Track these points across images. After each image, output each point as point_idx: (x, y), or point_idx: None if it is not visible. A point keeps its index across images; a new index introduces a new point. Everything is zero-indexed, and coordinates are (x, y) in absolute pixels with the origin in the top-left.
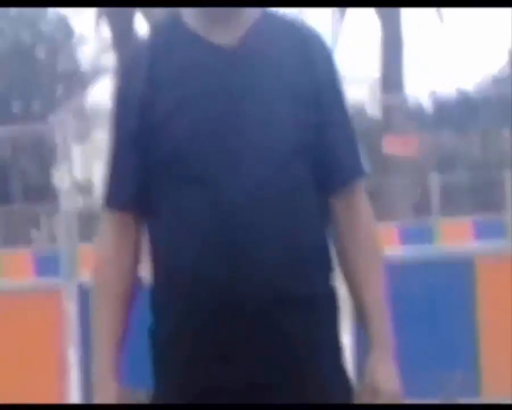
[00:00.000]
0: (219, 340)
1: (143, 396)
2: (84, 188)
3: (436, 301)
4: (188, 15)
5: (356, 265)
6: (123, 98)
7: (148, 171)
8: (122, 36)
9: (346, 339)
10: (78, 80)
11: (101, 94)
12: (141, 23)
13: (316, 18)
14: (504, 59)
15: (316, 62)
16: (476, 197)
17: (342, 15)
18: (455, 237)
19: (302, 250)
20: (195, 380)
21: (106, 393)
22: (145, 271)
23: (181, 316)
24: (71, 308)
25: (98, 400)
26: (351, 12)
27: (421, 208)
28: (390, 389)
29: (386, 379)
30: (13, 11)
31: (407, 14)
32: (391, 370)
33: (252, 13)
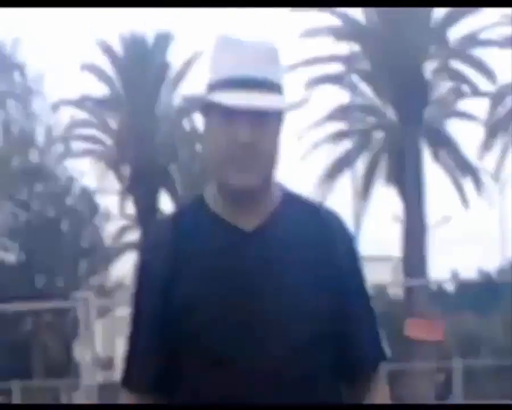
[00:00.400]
0: None
1: None
2: (105, 364)
3: None
4: (211, 193)
5: None
6: (145, 276)
7: (170, 352)
8: (146, 214)
9: None
10: (101, 256)
11: (124, 270)
12: (165, 202)
13: (337, 200)
14: None
15: (336, 246)
16: (498, 378)
17: (365, 197)
18: None
19: None
20: None
21: None
22: None
23: None
24: None
25: None
26: (374, 196)
27: (444, 392)
28: None
29: None
30: (39, 186)
31: (432, 200)
32: None
33: (274, 198)
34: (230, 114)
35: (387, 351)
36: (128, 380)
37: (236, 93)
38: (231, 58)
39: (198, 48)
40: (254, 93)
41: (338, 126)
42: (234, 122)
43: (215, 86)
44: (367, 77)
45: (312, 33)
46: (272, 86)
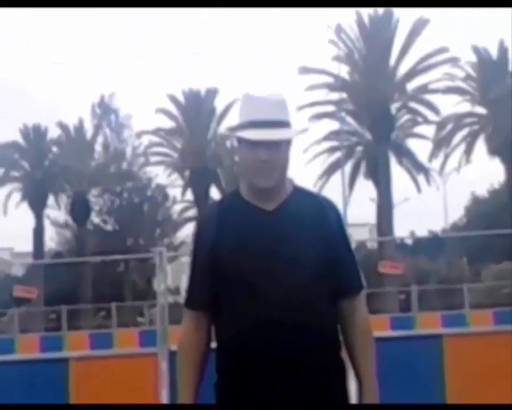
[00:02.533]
0: (262, 393)
1: None
2: (174, 291)
3: (416, 365)
4: (243, 188)
5: (355, 346)
6: (199, 238)
7: (215, 285)
8: (201, 199)
9: None
10: (170, 226)
11: (185, 235)
12: (213, 192)
13: (331, 190)
14: (460, 210)
15: (329, 222)
16: (442, 300)
17: (352, 185)
18: (429, 324)
19: (320, 334)
20: None
21: None
22: (213, 346)
23: (236, 376)
24: (164, 366)
25: None
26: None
27: (405, 305)
28: None
29: None
30: (128, 183)
31: (396, 188)
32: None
33: (287, 188)
34: (254, 143)
35: (364, 281)
36: (189, 301)
37: (257, 130)
38: (254, 107)
39: (233, 99)
40: (269, 129)
41: (331, 143)
42: (256, 148)
43: (244, 125)
44: (351, 113)
45: (312, 87)
46: (281, 124)
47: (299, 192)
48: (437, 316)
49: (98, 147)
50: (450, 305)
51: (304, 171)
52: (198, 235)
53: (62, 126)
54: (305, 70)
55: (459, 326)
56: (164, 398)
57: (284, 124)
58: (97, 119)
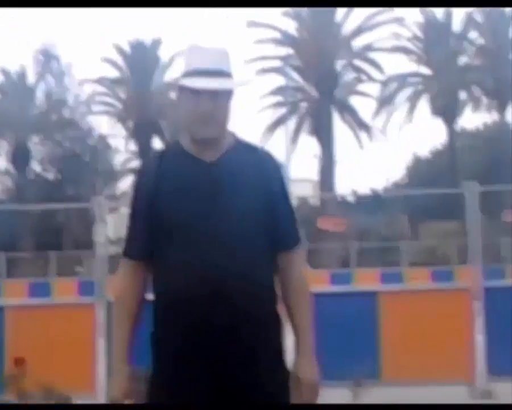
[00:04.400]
0: (198, 342)
1: (143, 374)
2: (113, 242)
3: (352, 320)
4: (184, 139)
5: (292, 300)
6: (139, 189)
7: (153, 235)
8: (143, 150)
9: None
10: (112, 176)
11: (126, 185)
12: (156, 143)
13: (275, 145)
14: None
15: (269, 175)
16: (381, 255)
17: (295, 141)
18: (366, 281)
19: (256, 286)
20: (177, 365)
21: (120, 371)
22: (149, 296)
23: (172, 325)
24: (101, 316)
25: (114, 375)
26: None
27: (344, 261)
28: (309, 378)
29: (306, 371)
30: (70, 132)
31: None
32: (312, 366)
33: (228, 140)
34: (195, 92)
35: (302, 236)
36: (127, 250)
37: (199, 78)
38: (196, 57)
39: (179, 48)
40: (210, 78)
41: (276, 98)
42: (198, 97)
43: (186, 74)
44: (297, 69)
45: (259, 41)
46: (223, 74)
47: (241, 144)
48: (375, 273)
49: (39, 95)
50: (389, 263)
51: (248, 125)
52: (138, 185)
53: (4, 72)
54: (253, 24)
55: (396, 283)
56: (101, 348)
57: (226, 74)
58: (40, 66)
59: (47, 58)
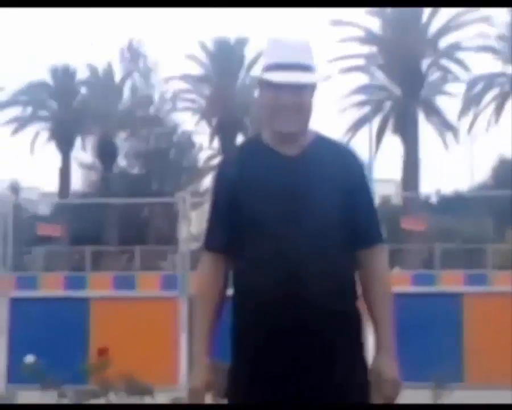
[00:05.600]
0: (278, 340)
1: (225, 367)
2: (196, 237)
3: (436, 322)
4: (266, 134)
5: (373, 297)
6: (220, 181)
7: (235, 230)
8: (227, 147)
9: None
10: (196, 172)
11: (210, 181)
12: (240, 140)
13: (358, 145)
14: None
15: (351, 170)
16: (466, 259)
17: (379, 140)
18: (451, 282)
19: (337, 283)
20: (257, 361)
21: (201, 363)
22: (230, 291)
23: (253, 322)
24: (184, 310)
25: (196, 370)
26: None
27: (428, 263)
28: (389, 374)
29: (387, 367)
30: (156, 129)
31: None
32: (392, 363)
33: (309, 135)
34: (277, 86)
35: (384, 234)
36: (208, 242)
37: (281, 73)
38: (278, 50)
39: (262, 48)
40: (293, 72)
41: (360, 97)
42: (280, 91)
43: (268, 68)
44: (381, 68)
45: (343, 40)
46: (306, 68)
47: (322, 140)
48: (459, 275)
49: (126, 91)
50: (473, 265)
51: (331, 124)
52: (219, 178)
53: (92, 68)
54: (337, 23)
55: (481, 285)
56: (183, 342)
57: (308, 68)
58: (126, 63)
59: (134, 55)
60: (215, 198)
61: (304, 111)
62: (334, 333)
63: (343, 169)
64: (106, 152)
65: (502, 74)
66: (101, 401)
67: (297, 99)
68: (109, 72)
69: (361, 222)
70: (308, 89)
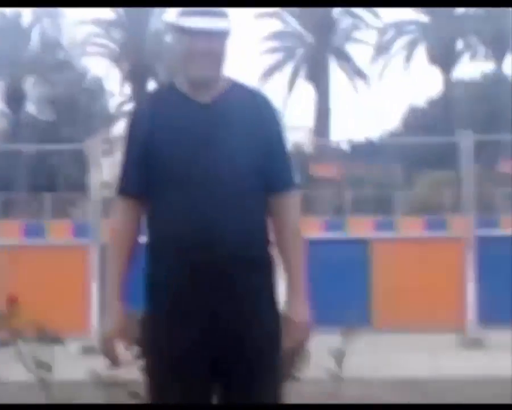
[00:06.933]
0: (191, 285)
1: (137, 315)
2: (107, 185)
3: (345, 267)
4: (180, 80)
5: (284, 243)
6: (133, 127)
7: (147, 176)
8: (137, 94)
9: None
10: (106, 119)
11: (121, 129)
12: (152, 86)
13: (271, 91)
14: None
15: (265, 116)
16: (376, 206)
17: (291, 88)
18: (360, 228)
19: (250, 229)
20: (172, 306)
21: (113, 308)
22: (143, 237)
23: (165, 268)
24: (95, 259)
25: (108, 316)
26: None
27: (338, 209)
28: (300, 318)
29: (298, 311)
30: (64, 73)
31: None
32: (303, 307)
33: (224, 82)
34: (190, 32)
35: (296, 180)
36: (121, 188)
37: (195, 18)
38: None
39: None
40: (207, 18)
41: (273, 44)
42: (193, 37)
43: (182, 14)
44: (294, 14)
45: None
46: (217, 14)
47: (236, 86)
48: (368, 221)
49: (34, 35)
50: (383, 211)
51: (244, 70)
52: (132, 124)
53: None
54: None
55: (390, 231)
56: (94, 290)
57: (222, 14)
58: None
59: None
60: (128, 144)
61: (217, 56)
62: (246, 278)
63: (257, 116)
64: (14, 99)
65: (412, 22)
66: (10, 350)
67: (210, 44)
68: (17, 16)
69: (274, 167)
70: (221, 35)
